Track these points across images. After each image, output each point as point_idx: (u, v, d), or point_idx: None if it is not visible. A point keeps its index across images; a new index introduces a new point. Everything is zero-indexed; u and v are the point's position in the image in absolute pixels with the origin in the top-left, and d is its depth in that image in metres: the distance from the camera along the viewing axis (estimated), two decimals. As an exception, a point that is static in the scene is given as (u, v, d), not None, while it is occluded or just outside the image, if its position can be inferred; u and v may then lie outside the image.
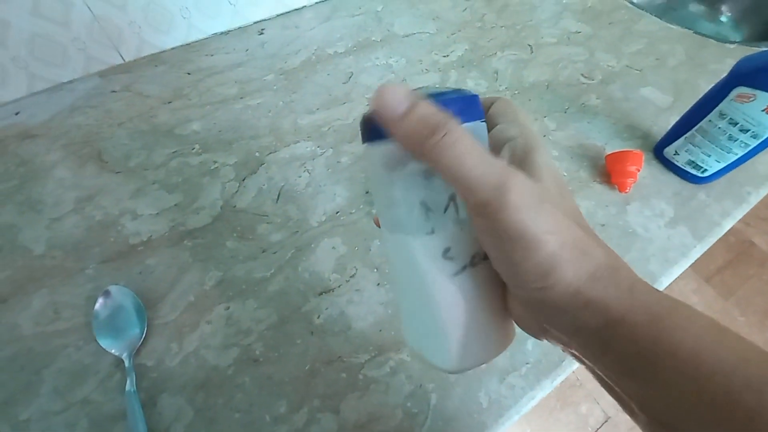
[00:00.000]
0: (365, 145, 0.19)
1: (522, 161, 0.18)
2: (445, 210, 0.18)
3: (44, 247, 0.40)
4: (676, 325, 0.15)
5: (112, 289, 0.37)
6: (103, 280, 0.38)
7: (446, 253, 0.18)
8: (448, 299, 0.18)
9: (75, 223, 0.41)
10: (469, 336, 0.18)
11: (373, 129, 0.18)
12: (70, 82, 0.52)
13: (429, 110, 0.15)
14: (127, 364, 0.34)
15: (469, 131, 0.15)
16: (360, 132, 0.19)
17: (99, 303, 0.36)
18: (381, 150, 0.18)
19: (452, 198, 0.18)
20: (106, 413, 0.32)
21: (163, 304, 0.37)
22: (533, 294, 0.16)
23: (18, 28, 0.45)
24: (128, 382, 0.33)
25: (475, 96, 0.19)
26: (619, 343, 0.15)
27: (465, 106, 0.18)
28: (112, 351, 0.34)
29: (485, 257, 0.18)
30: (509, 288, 0.18)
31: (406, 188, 0.18)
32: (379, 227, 0.21)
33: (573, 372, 1.29)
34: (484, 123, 0.19)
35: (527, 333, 0.19)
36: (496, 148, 0.19)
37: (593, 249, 0.16)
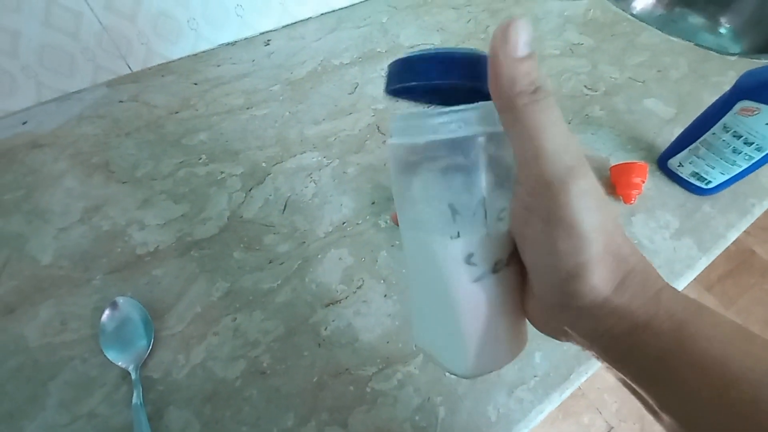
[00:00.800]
0: (391, 141, 0.19)
1: None
2: (474, 214, 0.17)
3: (51, 257, 0.40)
4: (701, 332, 0.14)
5: (120, 300, 0.37)
6: (110, 291, 0.38)
7: (469, 258, 0.18)
8: (466, 304, 0.18)
9: (82, 233, 0.41)
10: (485, 342, 0.18)
11: (405, 73, 0.18)
12: (78, 91, 0.52)
13: (536, 68, 0.15)
14: (133, 376, 0.33)
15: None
16: (387, 79, 0.19)
17: (106, 314, 0.36)
18: (412, 146, 0.18)
19: (482, 202, 0.17)
20: (112, 427, 0.32)
21: (170, 316, 0.37)
22: (560, 297, 0.16)
23: (28, 38, 0.45)
24: (135, 394, 0.33)
25: None
26: (643, 349, 0.15)
27: None
28: (119, 363, 0.34)
29: (507, 263, 0.18)
30: (534, 289, 0.17)
31: (436, 188, 0.18)
32: (397, 225, 0.21)
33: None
34: None
35: (546, 334, 0.19)
36: None
37: (628, 256, 0.16)
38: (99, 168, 0.46)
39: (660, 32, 0.67)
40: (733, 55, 0.64)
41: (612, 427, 1.18)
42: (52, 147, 0.47)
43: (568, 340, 0.18)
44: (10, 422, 0.32)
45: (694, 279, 1.49)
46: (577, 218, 0.15)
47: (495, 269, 0.18)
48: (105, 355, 0.34)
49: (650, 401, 0.16)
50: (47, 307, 0.37)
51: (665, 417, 0.15)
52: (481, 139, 0.17)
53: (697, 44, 0.65)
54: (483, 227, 0.17)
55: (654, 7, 0.91)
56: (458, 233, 0.17)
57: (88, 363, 0.35)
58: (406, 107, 0.22)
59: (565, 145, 0.15)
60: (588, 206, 0.15)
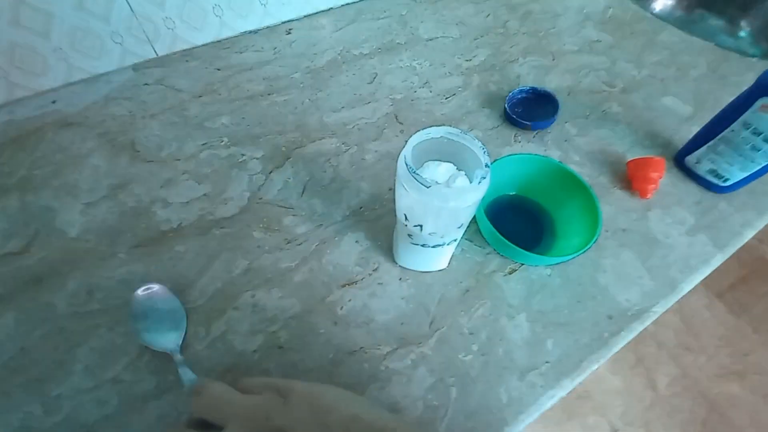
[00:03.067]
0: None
1: None
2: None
3: (78, 231, 0.41)
4: None
5: (156, 288, 0.37)
6: (135, 265, 0.39)
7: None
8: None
9: (108, 208, 0.43)
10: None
11: None
12: (106, 73, 0.54)
13: None
14: (177, 358, 0.34)
15: None
16: None
17: (140, 297, 0.36)
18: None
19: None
20: (136, 392, 0.33)
21: (192, 290, 0.38)
22: None
23: (61, 20, 0.47)
24: (180, 372, 0.33)
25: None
26: None
27: None
28: (160, 348, 0.34)
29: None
30: None
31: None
32: None
33: (580, 383, 1.28)
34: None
35: None
36: None
37: None
38: (125, 147, 0.47)
39: (680, 32, 0.67)
40: (754, 57, 0.63)
41: (617, 430, 1.17)
42: (81, 126, 0.49)
43: None
44: (38, 386, 0.33)
45: (705, 286, 1.47)
46: None
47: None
48: (140, 340, 0.34)
49: None
50: (74, 279, 0.39)
51: None
52: None
53: (717, 44, 0.65)
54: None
55: (673, 8, 0.90)
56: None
57: (114, 332, 0.36)
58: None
59: None
60: None
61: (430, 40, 0.62)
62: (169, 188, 0.44)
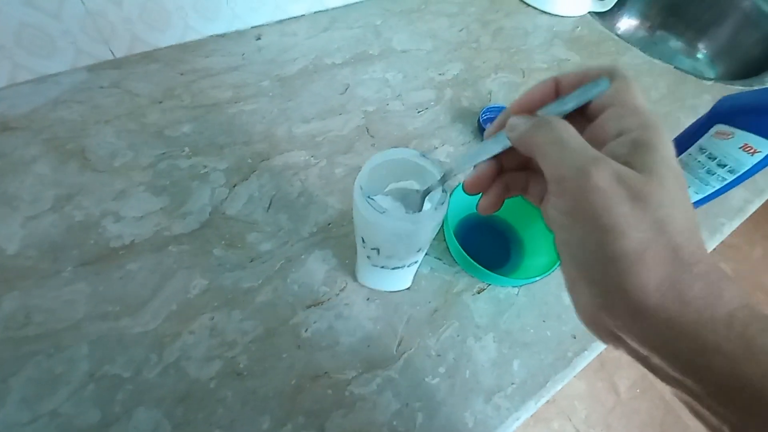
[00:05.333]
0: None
1: (632, 155, 0.16)
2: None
3: (18, 247, 0.38)
4: None
5: None
6: (80, 285, 0.36)
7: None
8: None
9: (53, 222, 0.40)
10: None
11: None
12: (56, 74, 0.50)
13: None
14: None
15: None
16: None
17: None
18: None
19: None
20: (77, 426, 0.31)
21: (144, 312, 0.36)
22: (606, 295, 0.16)
23: (7, 16, 0.43)
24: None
25: None
26: (711, 371, 0.14)
27: None
28: None
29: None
30: (584, 282, 0.17)
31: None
32: None
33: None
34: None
35: (598, 337, 0.18)
36: (607, 134, 0.18)
37: (692, 263, 0.14)
38: (74, 155, 0.44)
39: (643, 54, 0.70)
40: (708, 79, 0.67)
41: (580, 434, 1.21)
42: (25, 130, 0.45)
43: (622, 349, 0.17)
44: (-36, 420, 0.30)
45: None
46: (597, 211, 0.15)
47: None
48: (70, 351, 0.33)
49: (718, 424, 0.15)
50: (10, 300, 0.35)
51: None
52: None
53: (676, 67, 0.68)
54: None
55: (637, 29, 0.94)
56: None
57: (54, 359, 0.33)
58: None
59: (571, 152, 0.16)
60: (613, 201, 0.14)
61: (404, 51, 0.62)
62: (121, 201, 0.42)
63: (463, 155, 0.23)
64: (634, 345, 0.16)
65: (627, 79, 0.18)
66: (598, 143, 0.17)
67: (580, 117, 0.19)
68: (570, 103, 0.19)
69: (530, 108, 0.21)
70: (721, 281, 0.15)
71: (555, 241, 0.18)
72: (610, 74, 0.19)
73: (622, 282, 0.15)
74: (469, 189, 0.22)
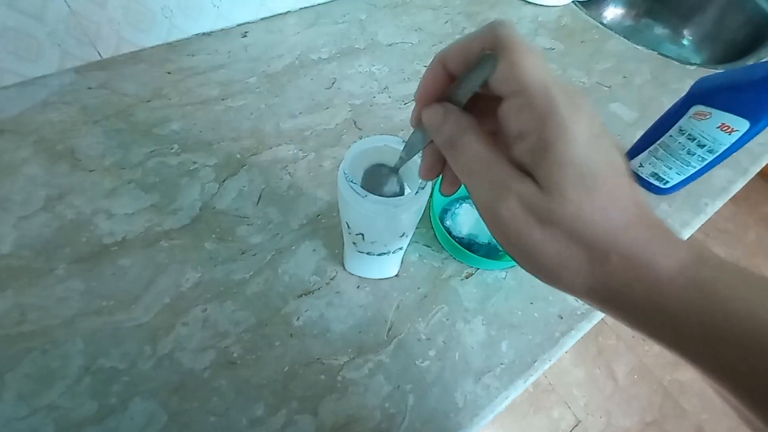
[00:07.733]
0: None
1: (534, 166, 0.16)
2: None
3: (11, 246, 0.38)
4: (730, 295, 0.14)
5: None
6: (74, 282, 0.37)
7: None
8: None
9: (45, 221, 0.40)
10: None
11: None
12: (44, 77, 0.50)
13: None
14: None
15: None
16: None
17: None
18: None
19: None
20: (73, 420, 0.31)
21: (137, 306, 0.36)
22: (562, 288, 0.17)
23: (-11, 20, 0.44)
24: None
25: None
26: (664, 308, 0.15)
27: None
28: None
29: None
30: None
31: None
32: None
33: (545, 377, 1.32)
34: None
35: (545, 279, 0.18)
36: (509, 135, 0.17)
37: (607, 251, 0.15)
38: (64, 156, 0.45)
39: (626, 41, 0.70)
40: (692, 65, 0.68)
41: (579, 421, 1.22)
42: (14, 133, 0.46)
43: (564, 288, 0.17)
44: (-38, 416, 0.31)
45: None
46: (513, 238, 0.17)
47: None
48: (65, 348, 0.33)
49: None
50: (5, 298, 0.36)
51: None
52: None
53: (660, 53, 0.69)
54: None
55: (623, 18, 0.95)
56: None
57: (49, 354, 0.33)
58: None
59: (487, 168, 0.18)
60: (524, 225, 0.16)
61: (390, 45, 0.63)
62: (112, 199, 0.42)
63: (404, 146, 0.23)
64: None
65: (513, 50, 0.15)
66: (506, 145, 0.17)
67: (493, 102, 0.17)
68: (461, 96, 0.18)
69: (435, 96, 0.20)
70: (647, 248, 0.15)
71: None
72: (494, 45, 0.16)
73: (560, 286, 0.17)
74: (425, 176, 0.22)
